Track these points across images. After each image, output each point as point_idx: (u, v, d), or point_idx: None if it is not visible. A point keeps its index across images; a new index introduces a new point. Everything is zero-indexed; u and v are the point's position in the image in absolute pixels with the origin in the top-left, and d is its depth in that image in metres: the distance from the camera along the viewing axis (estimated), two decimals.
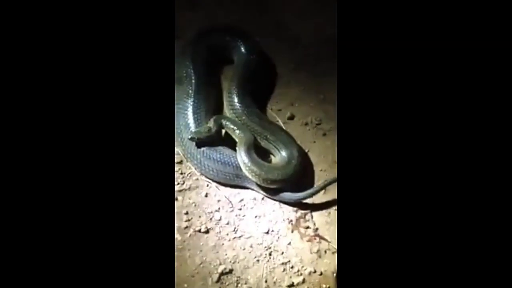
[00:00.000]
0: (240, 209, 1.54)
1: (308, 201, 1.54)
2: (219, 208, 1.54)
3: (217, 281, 1.38)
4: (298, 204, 1.54)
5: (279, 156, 1.60)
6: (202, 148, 1.57)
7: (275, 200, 1.55)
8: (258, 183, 1.51)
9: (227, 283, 1.38)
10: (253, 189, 1.57)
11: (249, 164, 1.49)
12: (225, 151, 1.58)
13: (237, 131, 1.59)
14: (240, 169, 1.52)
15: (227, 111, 1.71)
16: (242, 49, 1.82)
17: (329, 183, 1.53)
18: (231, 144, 1.62)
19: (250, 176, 1.50)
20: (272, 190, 1.53)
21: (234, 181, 1.56)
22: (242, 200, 1.56)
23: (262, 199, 1.56)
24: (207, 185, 1.59)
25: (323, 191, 1.54)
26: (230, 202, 1.55)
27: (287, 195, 1.53)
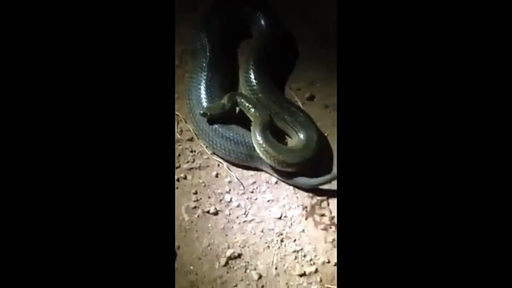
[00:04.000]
0: (252, 192, 1.46)
1: (324, 187, 1.45)
2: (229, 190, 1.46)
3: (225, 265, 1.31)
4: (314, 190, 1.45)
5: (297, 138, 1.51)
6: (215, 126, 1.48)
7: (289, 184, 1.46)
8: (273, 165, 1.42)
9: (235, 268, 1.31)
10: (266, 172, 1.49)
11: (264, 145, 1.40)
12: (239, 129, 1.50)
13: (252, 110, 1.50)
14: (254, 149, 1.43)
15: (242, 88, 1.61)
16: (262, 22, 1.70)
17: None
18: (245, 123, 1.53)
19: (264, 158, 1.41)
20: (287, 173, 1.44)
21: (247, 161, 1.48)
22: (254, 182, 1.48)
23: (276, 182, 1.48)
24: (218, 165, 1.51)
25: None
26: (242, 184, 1.47)
27: (303, 180, 1.44)
